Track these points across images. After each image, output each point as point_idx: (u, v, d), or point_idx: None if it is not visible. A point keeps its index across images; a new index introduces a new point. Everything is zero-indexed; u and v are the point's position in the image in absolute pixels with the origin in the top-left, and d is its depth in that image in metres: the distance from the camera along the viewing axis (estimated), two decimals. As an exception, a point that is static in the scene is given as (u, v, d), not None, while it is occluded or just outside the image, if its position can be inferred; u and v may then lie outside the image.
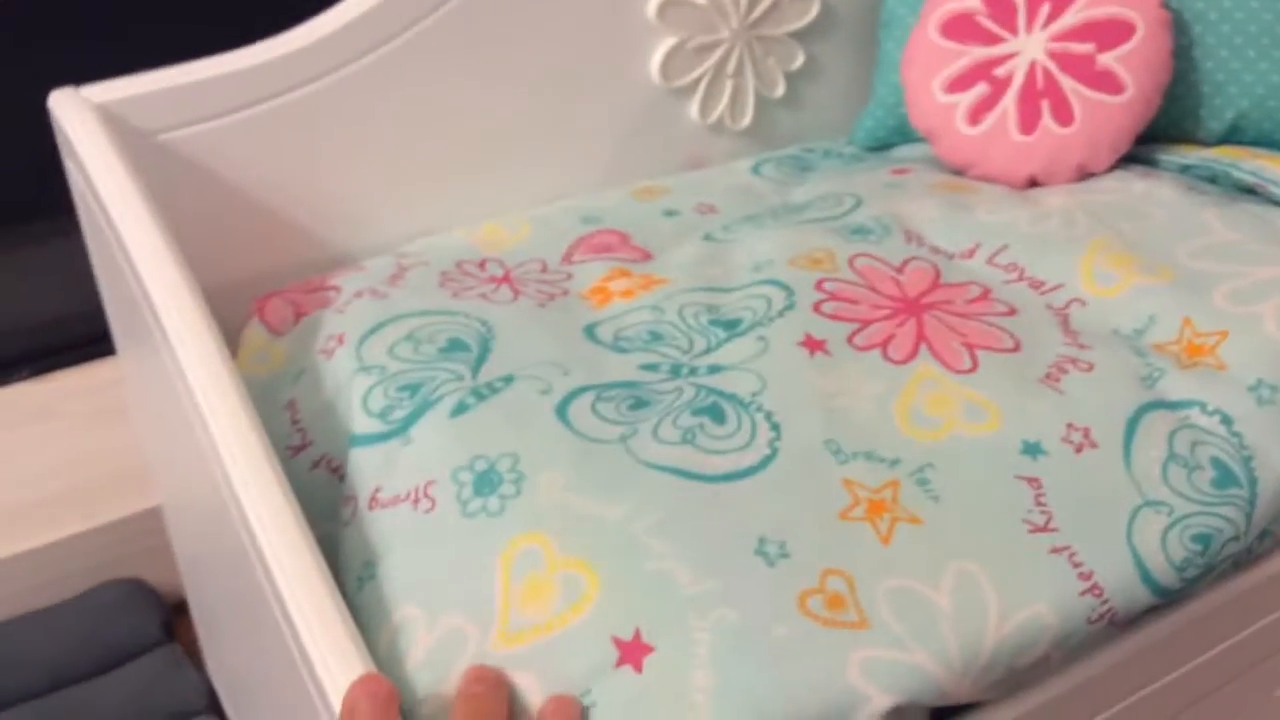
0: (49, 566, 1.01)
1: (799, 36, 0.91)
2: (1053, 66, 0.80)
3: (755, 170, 0.88)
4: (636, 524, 0.52)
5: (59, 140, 0.74)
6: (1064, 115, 0.79)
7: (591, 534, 0.52)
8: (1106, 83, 0.78)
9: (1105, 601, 0.53)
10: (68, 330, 1.23)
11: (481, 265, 0.75)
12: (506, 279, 0.73)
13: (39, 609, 0.99)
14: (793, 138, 0.94)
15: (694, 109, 0.89)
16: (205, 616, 0.91)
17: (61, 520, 1.02)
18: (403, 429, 0.60)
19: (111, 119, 0.71)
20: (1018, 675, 0.52)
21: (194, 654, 0.98)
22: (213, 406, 0.56)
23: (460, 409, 0.60)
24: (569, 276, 0.74)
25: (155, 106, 0.73)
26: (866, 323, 0.64)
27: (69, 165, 0.74)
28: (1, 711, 0.93)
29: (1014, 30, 0.81)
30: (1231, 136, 0.84)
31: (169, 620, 1.00)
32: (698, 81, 0.88)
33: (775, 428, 0.58)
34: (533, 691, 0.48)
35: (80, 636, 0.96)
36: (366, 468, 0.59)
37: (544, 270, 0.75)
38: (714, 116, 0.90)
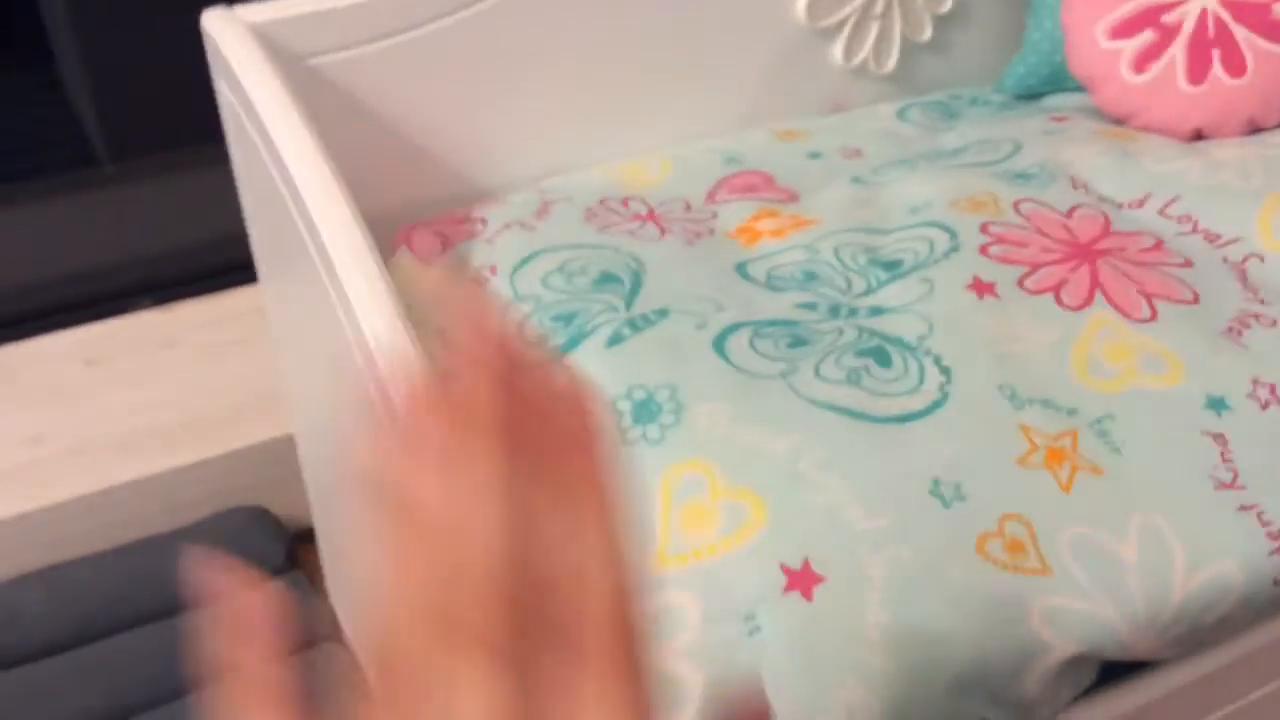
0: (174, 491, 1.03)
1: (948, -21, 0.88)
2: (1225, 15, 0.76)
3: (901, 115, 0.85)
4: (804, 459, 0.51)
5: (211, 61, 0.74)
6: (1236, 65, 0.75)
7: (756, 465, 0.51)
8: (1285, 31, 0.74)
9: (1294, 563, 0.50)
10: (192, 261, 1.25)
11: (625, 203, 0.74)
12: (651, 217, 0.72)
13: (167, 531, 1.02)
14: (938, 84, 0.91)
15: (838, 51, 0.87)
16: (332, 545, 0.92)
17: (186, 446, 1.04)
18: (559, 358, 0.59)
19: (265, 40, 0.71)
20: (1201, 633, 0.50)
21: (316, 583, 1.00)
22: (373, 328, 0.56)
23: (616, 339, 0.59)
24: (714, 216, 0.72)
25: (308, 29, 0.73)
26: (1037, 266, 0.61)
27: (221, 87, 0.75)
28: (126, 631, 0.96)
29: (1187, -26, 0.77)
30: None
31: (292, 548, 1.02)
32: (843, 23, 0.86)
33: (945, 372, 0.56)
34: (691, 611, 0.47)
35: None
36: (521, 395, 0.59)
37: (688, 209, 0.74)
38: (858, 59, 0.87)
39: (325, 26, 0.73)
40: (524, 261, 0.65)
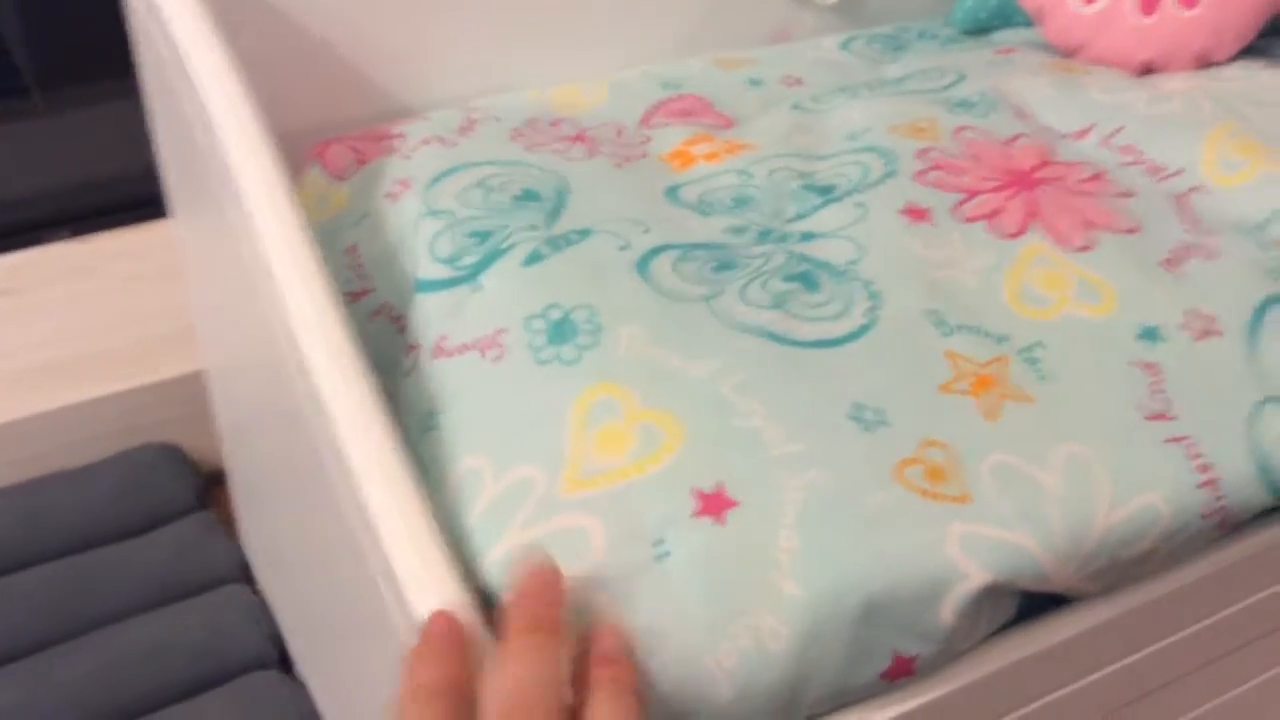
0: (83, 425, 0.99)
1: (898, -92, 0.85)
2: (1179, -54, 0.74)
3: (844, 46, 0.82)
4: (723, 382, 0.49)
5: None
6: (1188, -2, 0.73)
7: (675, 387, 0.49)
8: (1238, -35, 0.72)
9: (1220, 497, 0.49)
10: (110, 192, 1.20)
11: (555, 124, 0.71)
12: (581, 138, 0.69)
13: (72, 468, 0.98)
14: (885, 16, 0.88)
15: (783, -22, 0.84)
16: (245, 485, 0.89)
17: (97, 379, 0.99)
18: (472, 275, 0.56)
19: (174, -57, 0.66)
20: (1121, 568, 0.48)
21: (227, 524, 0.96)
22: (280, 254, 0.52)
23: (534, 258, 0.56)
24: (647, 139, 0.69)
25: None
26: (973, 193, 0.59)
27: (135, 9, 0.70)
28: (32, 567, 0.92)
29: (1140, -97, 0.74)
30: (1363, 36, 0.78)
31: (203, 487, 0.99)
32: (789, -51, 0.83)
33: (874, 296, 0.54)
34: (598, 536, 0.45)
35: (113, 497, 0.94)
36: (432, 315, 0.56)
37: (620, 134, 0.71)
38: (803, -11, 0.84)
39: (239, -72, 0.69)
40: (441, 176, 0.62)
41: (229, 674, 0.84)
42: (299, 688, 0.84)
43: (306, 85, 0.75)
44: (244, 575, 0.93)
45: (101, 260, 1.12)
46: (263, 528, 0.86)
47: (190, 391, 0.99)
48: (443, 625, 0.39)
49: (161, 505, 0.95)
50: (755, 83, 0.77)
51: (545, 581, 0.42)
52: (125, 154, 1.17)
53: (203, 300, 0.80)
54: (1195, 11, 0.72)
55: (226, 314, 0.71)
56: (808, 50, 0.82)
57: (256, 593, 0.91)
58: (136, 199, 1.16)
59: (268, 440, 0.70)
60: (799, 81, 0.77)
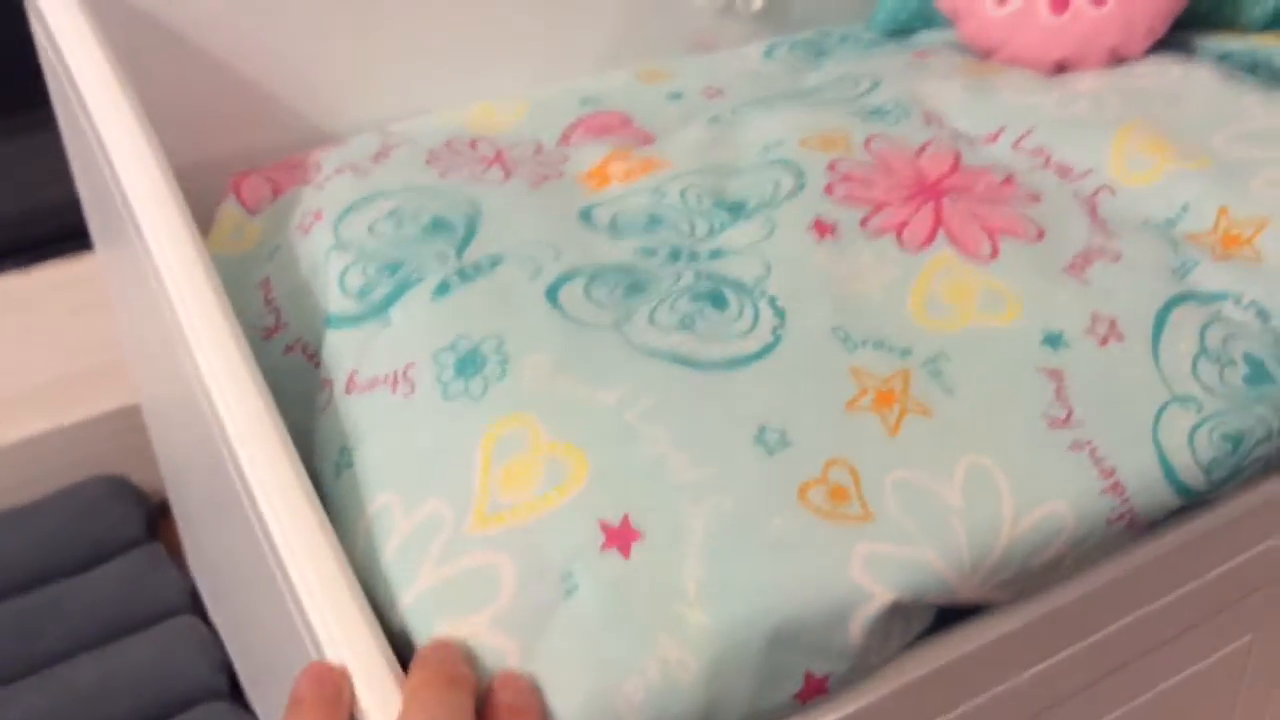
0: (31, 461, 0.98)
1: (816, -88, 0.85)
2: (1089, -58, 0.74)
3: (767, 54, 0.83)
4: (629, 410, 0.49)
5: (29, 11, 0.69)
6: (1099, -5, 0.73)
7: (581, 418, 0.49)
8: (1146, -40, 0.73)
9: (1126, 500, 0.49)
10: (50, 223, 1.19)
11: (472, 145, 0.71)
12: (499, 159, 0.69)
13: (20, 504, 0.97)
14: (808, 22, 0.88)
15: (702, -12, 0.84)
16: (185, 515, 0.88)
17: (43, 414, 0.99)
18: (381, 309, 0.56)
19: (83, -16, 0.66)
20: (1030, 576, 0.49)
21: (176, 554, 0.96)
22: (181, 290, 0.52)
23: (443, 289, 0.56)
24: (565, 159, 0.69)
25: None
26: (881, 206, 0.59)
27: (39, 39, 0.70)
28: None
29: (1048, -98, 0.75)
30: (1275, 24, 0.79)
31: (152, 519, 0.98)
32: (707, -42, 0.83)
33: (780, 314, 0.54)
34: (508, 573, 0.45)
35: (61, 532, 0.94)
36: (343, 350, 0.56)
37: (539, 152, 0.71)
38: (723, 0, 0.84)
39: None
40: (351, 207, 0.62)
41: (180, 706, 0.84)
42: (249, 717, 0.84)
43: (226, 114, 0.75)
44: (194, 605, 0.92)
45: (41, 293, 1.11)
46: (204, 559, 0.86)
47: (135, 421, 0.98)
48: (314, 685, 0.39)
49: (110, 538, 0.95)
50: (676, 96, 0.77)
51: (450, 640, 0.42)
52: (62, 184, 1.17)
53: (127, 333, 0.80)
54: (1105, 9, 0.73)
55: (146, 347, 0.70)
56: (731, 60, 0.82)
57: (207, 622, 0.91)
58: (76, 229, 1.16)
59: (195, 474, 0.69)
60: (720, 93, 0.77)
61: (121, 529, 0.94)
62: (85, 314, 1.09)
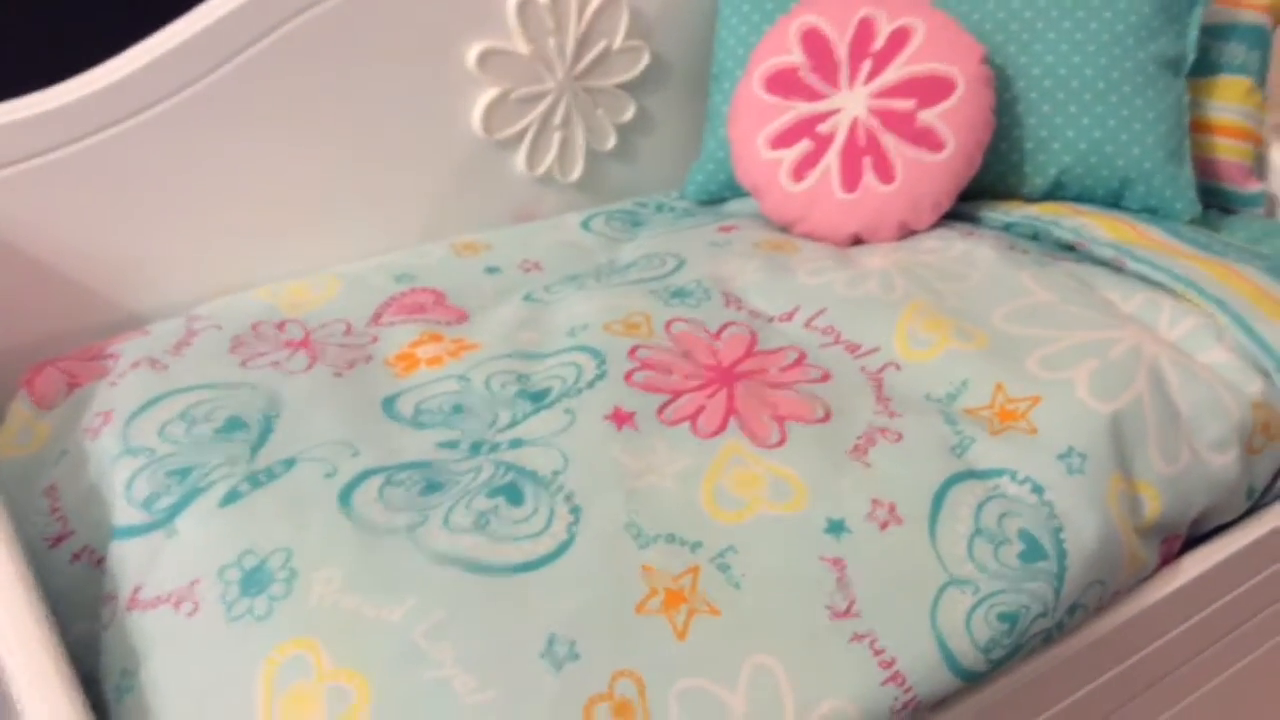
0: None
1: (629, 88, 0.89)
2: (875, 123, 0.79)
3: (584, 225, 0.85)
4: (416, 626, 0.48)
5: None
6: (885, 173, 0.78)
7: (366, 639, 0.48)
8: (927, 140, 0.78)
9: (908, 690, 0.51)
10: None
11: (280, 327, 0.70)
12: (305, 343, 0.68)
13: None
14: (626, 190, 0.92)
15: (520, 161, 0.86)
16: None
17: None
18: (168, 519, 0.54)
19: None
20: (817, 773, 0.49)
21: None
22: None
23: (231, 497, 0.55)
24: (374, 340, 0.69)
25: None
26: (678, 394, 0.61)
27: None
28: None
29: (836, 85, 0.80)
30: (1055, 192, 0.85)
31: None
32: (523, 133, 0.85)
33: (575, 511, 0.54)
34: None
35: None
36: (128, 563, 0.54)
37: (348, 332, 0.70)
38: (542, 169, 0.87)
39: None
40: (143, 408, 0.60)
41: None
42: None
43: (27, 299, 0.73)
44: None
45: None
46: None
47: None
48: None
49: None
50: (492, 269, 0.78)
51: None
52: None
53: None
54: (892, 187, 0.77)
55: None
56: (548, 230, 0.84)
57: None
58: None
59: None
60: (537, 265, 0.79)
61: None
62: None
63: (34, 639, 0.46)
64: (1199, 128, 0.89)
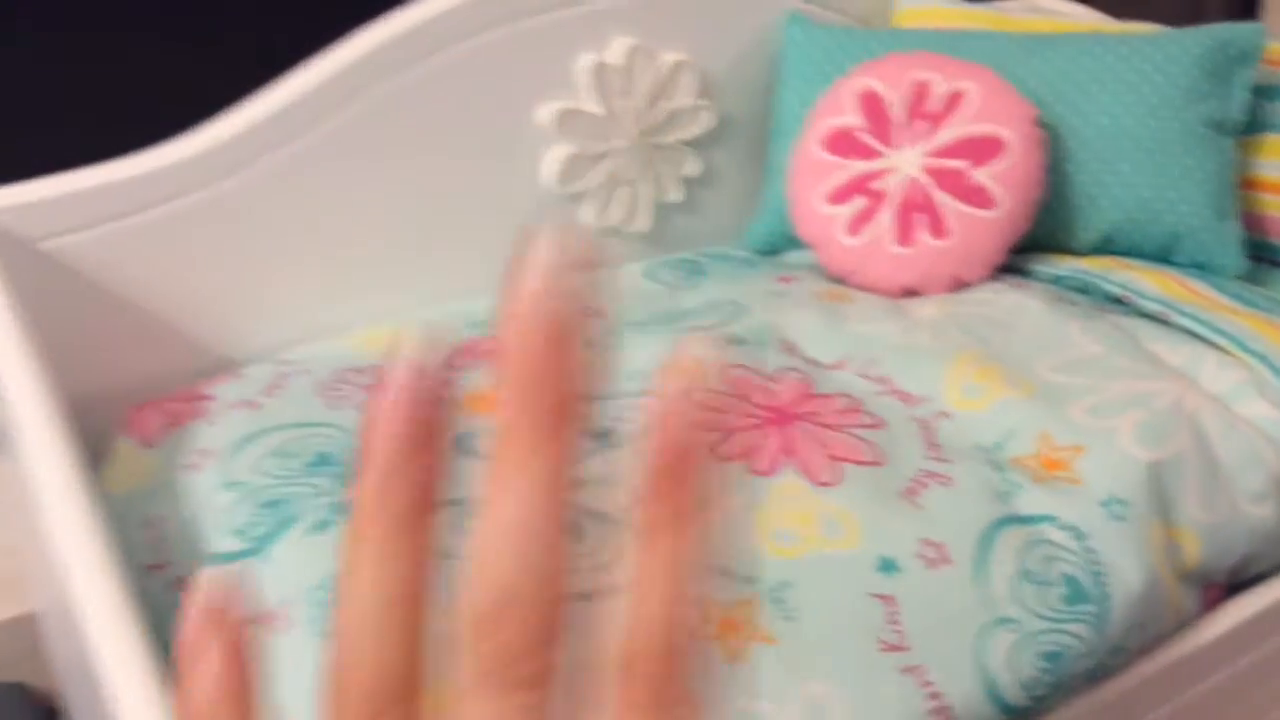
0: (-75, 671, 0.97)
1: (695, 144, 0.94)
2: (928, 181, 0.82)
3: (648, 274, 0.89)
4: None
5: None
6: (939, 229, 0.81)
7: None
8: (980, 198, 0.81)
9: (954, 722, 0.53)
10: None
11: (363, 371, 0.75)
12: (388, 386, 0.73)
13: (-90, 717, 0.95)
14: (690, 241, 0.96)
15: (589, 213, 0.91)
16: (81, 725, 0.88)
17: (-62, 623, 0.98)
18: (262, 546, 0.59)
19: (-9, 226, 0.71)
20: (867, 799, 0.52)
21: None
22: (63, 525, 0.55)
23: (320, 526, 0.59)
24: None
25: (39, 214, 0.73)
26: (731, 432, 0.64)
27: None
28: None
29: (891, 146, 0.84)
30: (1104, 248, 0.87)
31: (51, 725, 0.97)
32: (593, 187, 0.90)
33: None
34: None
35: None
36: (225, 585, 0.59)
37: (428, 377, 0.75)
38: (610, 221, 0.91)
39: (57, 210, 0.73)
40: (241, 444, 0.65)
41: None
42: None
43: (128, 344, 0.79)
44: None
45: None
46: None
47: (33, 629, 0.98)
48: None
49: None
50: (560, 317, 0.82)
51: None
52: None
53: (24, 545, 0.81)
54: (946, 242, 0.81)
55: (37, 563, 0.72)
56: (614, 279, 0.89)
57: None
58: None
59: (79, 687, 0.70)
60: (602, 313, 0.83)
61: (14, 740, 0.93)
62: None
63: (136, 655, 0.50)
64: (1248, 184, 0.91)
